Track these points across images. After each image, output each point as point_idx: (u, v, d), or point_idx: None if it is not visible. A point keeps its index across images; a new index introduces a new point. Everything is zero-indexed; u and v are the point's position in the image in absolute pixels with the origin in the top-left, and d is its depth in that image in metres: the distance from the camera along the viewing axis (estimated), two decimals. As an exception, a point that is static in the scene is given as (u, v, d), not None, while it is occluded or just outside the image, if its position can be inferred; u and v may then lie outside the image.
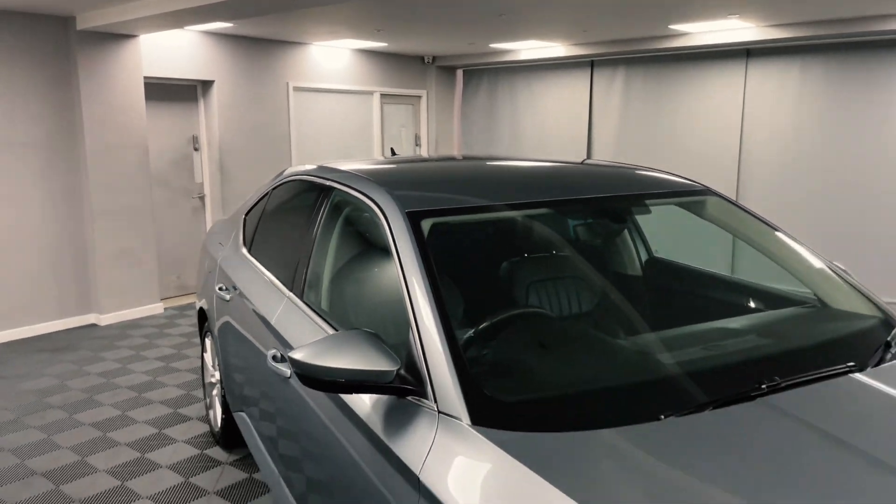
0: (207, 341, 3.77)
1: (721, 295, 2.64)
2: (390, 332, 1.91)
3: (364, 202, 2.24)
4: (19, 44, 5.32)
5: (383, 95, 8.41)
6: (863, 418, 1.55)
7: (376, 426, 1.70)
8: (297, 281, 2.52)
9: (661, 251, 3.13)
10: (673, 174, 2.74)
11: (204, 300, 3.71)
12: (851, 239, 6.56)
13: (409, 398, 1.67)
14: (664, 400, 1.58)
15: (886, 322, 2.11)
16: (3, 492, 3.21)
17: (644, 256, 3.10)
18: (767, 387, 1.64)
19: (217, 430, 3.62)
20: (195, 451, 3.60)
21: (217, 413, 3.60)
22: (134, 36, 5.80)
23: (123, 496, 3.17)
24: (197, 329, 5.71)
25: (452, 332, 1.68)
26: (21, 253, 5.51)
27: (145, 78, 6.19)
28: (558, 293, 2.45)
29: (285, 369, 2.25)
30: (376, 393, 1.65)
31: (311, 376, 1.64)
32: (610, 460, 1.36)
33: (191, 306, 6.50)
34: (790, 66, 6.71)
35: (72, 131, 5.68)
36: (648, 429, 1.46)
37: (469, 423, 1.50)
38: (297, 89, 7.44)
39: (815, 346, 1.95)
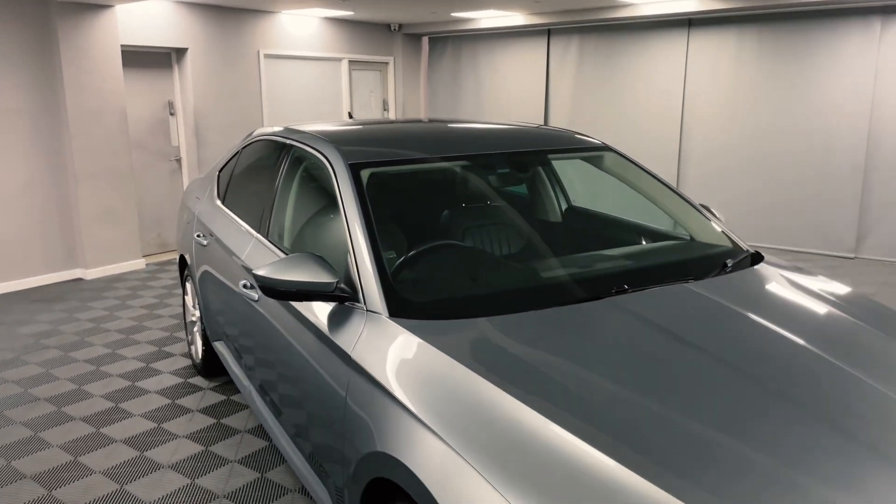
0: (188, 285, 4.26)
1: (617, 234, 3.18)
2: (336, 258, 2.41)
3: (317, 157, 2.73)
4: (2, 16, 5.64)
5: (351, 62, 8.79)
6: (678, 309, 2.10)
7: (322, 326, 2.22)
8: (263, 224, 3.01)
9: (578, 199, 3.67)
10: (582, 134, 3.26)
11: (184, 249, 4.18)
12: (782, 194, 7.17)
13: (347, 304, 2.19)
14: (532, 299, 2.12)
15: (733, 251, 2.67)
16: (12, 413, 3.71)
17: (564, 205, 3.63)
18: (616, 291, 2.19)
19: (198, 361, 4.13)
20: (179, 380, 4.12)
21: (198, 346, 4.11)
22: (110, 6, 6.14)
23: (118, 414, 3.68)
24: (178, 280, 6.19)
25: (380, 252, 2.20)
26: (11, 212, 5.90)
27: (122, 46, 6.53)
28: (487, 232, 2.96)
29: (254, 294, 2.76)
30: (322, 300, 2.17)
31: (271, 288, 2.15)
32: (479, 335, 1.90)
33: (171, 262, 6.95)
34: (727, 35, 7.23)
35: (54, 98, 6.04)
36: (515, 317, 2.00)
37: (387, 315, 2.03)
38: (267, 56, 7.81)
39: (666, 265, 2.51)
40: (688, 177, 7.72)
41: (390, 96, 9.45)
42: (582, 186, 3.63)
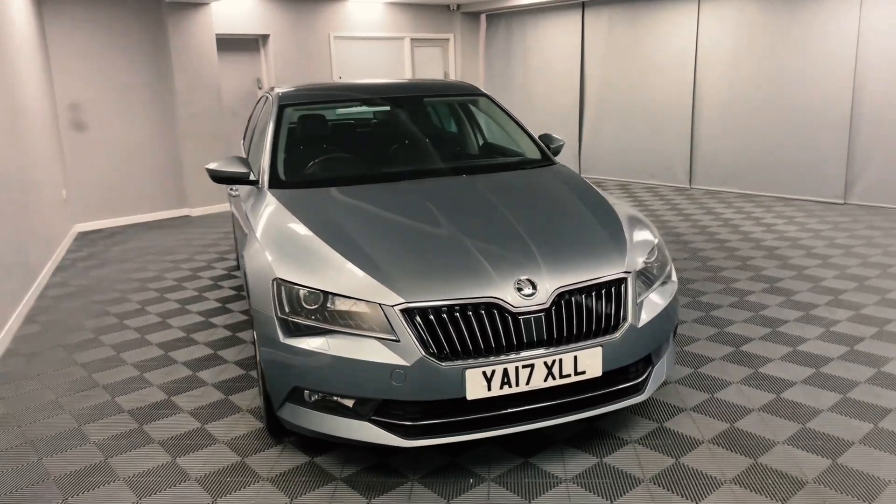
0: (235, 206, 5.94)
1: (486, 154, 4.38)
2: (257, 162, 3.85)
3: (272, 101, 4.20)
4: (126, 15, 7.65)
5: (413, 40, 10.21)
6: (449, 190, 3.36)
7: (244, 198, 3.70)
8: (248, 148, 4.55)
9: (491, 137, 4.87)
10: (473, 86, 4.48)
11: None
12: (776, 145, 7.74)
13: (256, 186, 3.65)
14: (358, 181, 3.47)
15: (538, 161, 3.84)
16: (132, 275, 5.58)
17: (481, 142, 4.85)
18: (411, 178, 3.48)
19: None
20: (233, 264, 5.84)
21: (238, 248, 5.79)
22: (206, 3, 7.98)
23: (195, 279, 5.43)
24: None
25: (276, 155, 3.64)
26: (138, 164, 7.97)
27: (218, 34, 8.39)
28: (372, 148, 4.22)
29: (234, 192, 4.31)
30: (242, 184, 3.65)
31: (214, 177, 3.65)
32: (305, 195, 3.29)
33: (257, 205, 8.82)
34: (735, 3, 7.84)
35: (166, 76, 8.01)
36: (338, 188, 3.37)
37: (267, 188, 3.47)
38: (337, 38, 9.42)
39: (471, 167, 3.74)
40: (701, 126, 8.41)
41: (451, 69, 10.77)
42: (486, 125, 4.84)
